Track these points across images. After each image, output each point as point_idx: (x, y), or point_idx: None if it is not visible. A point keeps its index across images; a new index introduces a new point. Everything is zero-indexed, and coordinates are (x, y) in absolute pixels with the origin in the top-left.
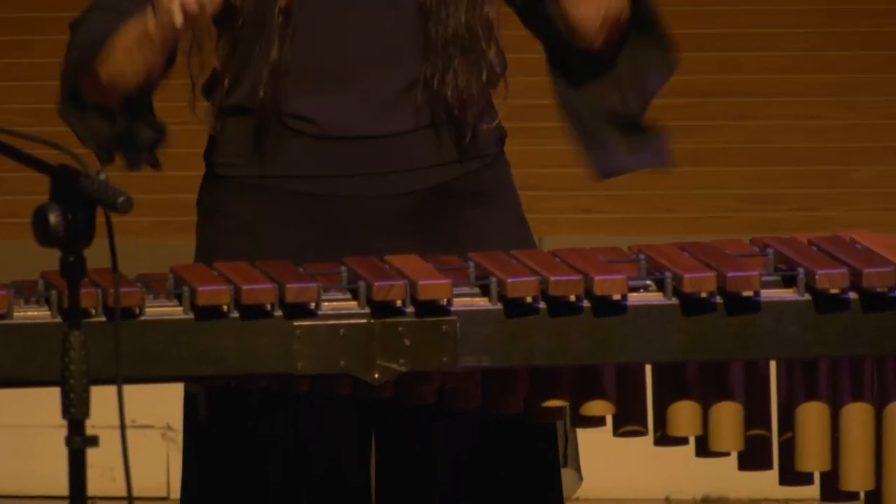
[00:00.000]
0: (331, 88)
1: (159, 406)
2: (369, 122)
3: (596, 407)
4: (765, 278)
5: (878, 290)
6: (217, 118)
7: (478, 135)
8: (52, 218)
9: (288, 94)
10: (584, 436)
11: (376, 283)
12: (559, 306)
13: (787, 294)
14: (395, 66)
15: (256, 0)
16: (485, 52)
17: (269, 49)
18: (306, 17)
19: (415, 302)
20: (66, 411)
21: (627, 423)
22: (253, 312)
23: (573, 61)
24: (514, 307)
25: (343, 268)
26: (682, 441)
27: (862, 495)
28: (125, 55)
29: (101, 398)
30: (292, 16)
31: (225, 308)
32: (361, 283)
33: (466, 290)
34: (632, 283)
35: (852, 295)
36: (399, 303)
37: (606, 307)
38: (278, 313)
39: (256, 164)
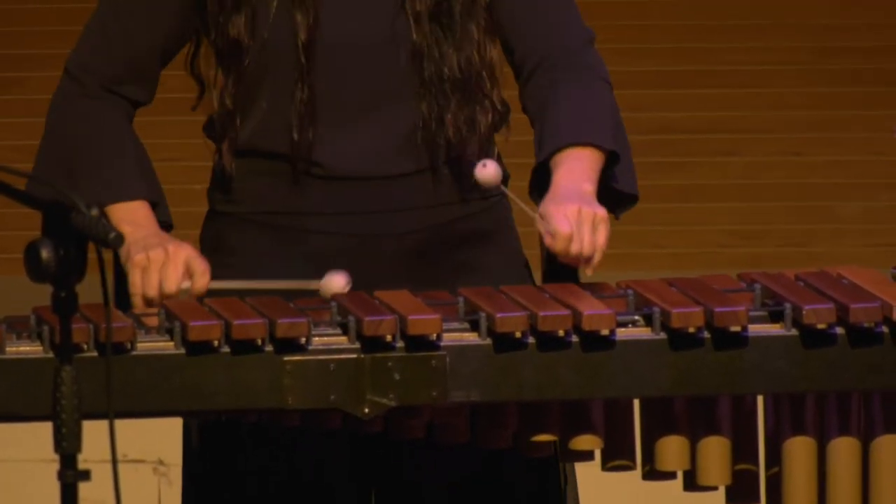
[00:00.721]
0: (334, 131)
1: (151, 440)
2: (371, 164)
3: (585, 441)
4: (752, 313)
5: (865, 325)
6: (231, 157)
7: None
8: (45, 253)
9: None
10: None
11: (366, 319)
12: (548, 341)
13: (774, 329)
14: (394, 108)
15: (263, 43)
16: (484, 95)
17: (294, 92)
18: (309, 63)
19: (404, 337)
20: (59, 445)
21: (616, 457)
22: (243, 347)
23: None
24: (503, 342)
25: (333, 303)
26: (671, 475)
27: None
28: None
29: (93, 432)
30: (301, 57)
31: (216, 343)
32: (351, 318)
33: (456, 325)
34: (620, 318)
35: (839, 330)
36: (389, 338)
37: (595, 342)
38: (269, 348)
39: (263, 202)
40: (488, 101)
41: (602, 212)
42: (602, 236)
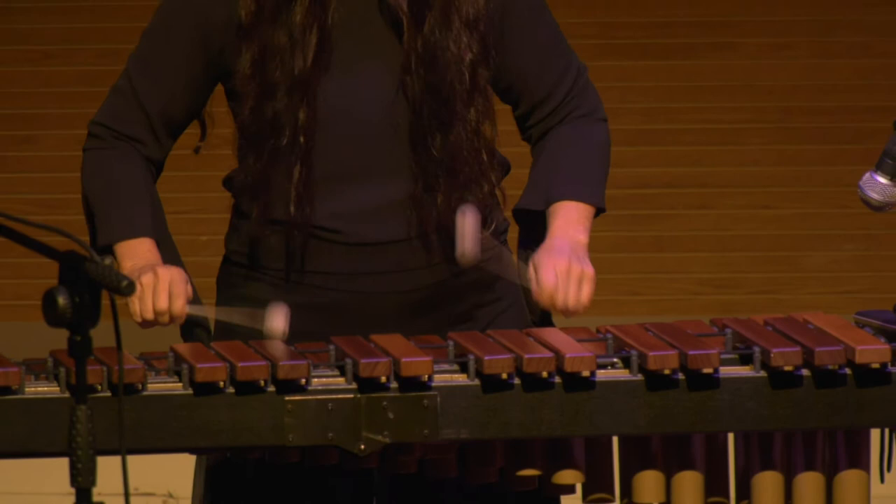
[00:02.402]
0: (332, 200)
1: (161, 475)
2: (370, 231)
3: (567, 476)
4: (723, 356)
5: (829, 367)
6: (261, 225)
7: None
8: (61, 300)
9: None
10: None
11: (362, 361)
12: (532, 382)
13: (744, 371)
14: (389, 182)
15: (265, 121)
16: (481, 171)
17: (291, 169)
18: (308, 142)
19: (398, 378)
20: (74, 480)
21: (596, 490)
22: (247, 388)
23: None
24: (491, 383)
25: (331, 346)
26: None
27: None
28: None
29: (107, 467)
30: (300, 137)
31: (221, 384)
32: (348, 361)
33: (446, 367)
34: (600, 360)
35: (805, 372)
36: (383, 379)
37: (576, 383)
38: (271, 389)
39: (273, 260)
40: (484, 179)
41: (590, 270)
42: (586, 293)
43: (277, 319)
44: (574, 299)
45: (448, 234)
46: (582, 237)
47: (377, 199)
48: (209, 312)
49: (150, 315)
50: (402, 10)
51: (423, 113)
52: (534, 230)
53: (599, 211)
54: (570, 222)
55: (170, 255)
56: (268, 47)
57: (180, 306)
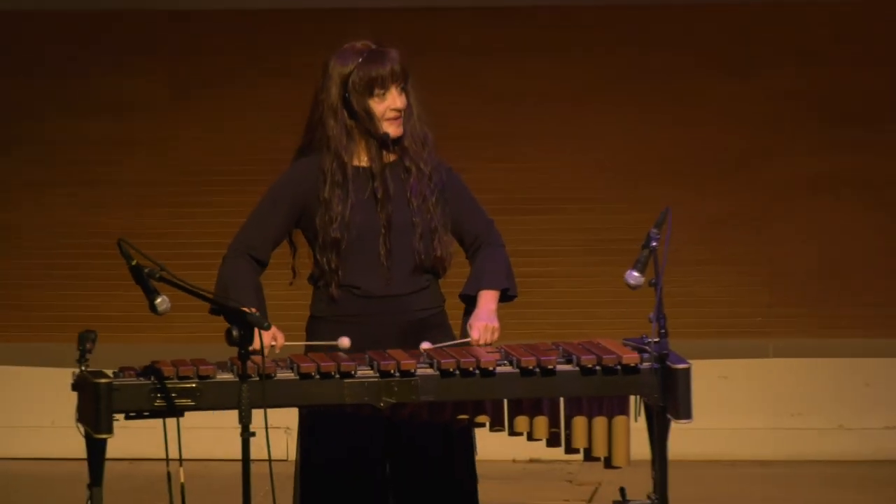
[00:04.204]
0: (367, 272)
1: (284, 418)
2: (388, 288)
3: (481, 419)
4: (558, 359)
5: (610, 365)
6: (337, 291)
7: (437, 295)
8: (234, 332)
9: (347, 276)
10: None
11: (382, 362)
12: (465, 372)
13: (568, 367)
14: (400, 263)
15: (329, 234)
16: (442, 243)
17: (331, 259)
18: (348, 246)
19: (399, 370)
20: (241, 422)
21: (495, 426)
22: (326, 376)
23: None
24: (445, 373)
25: (367, 355)
26: (529, 435)
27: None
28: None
29: (257, 415)
30: (342, 244)
31: (313, 373)
32: (375, 362)
33: (424, 365)
34: (498, 362)
35: (598, 367)
36: (392, 371)
37: (485, 373)
38: (337, 376)
39: (336, 311)
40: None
41: (496, 325)
42: (495, 337)
43: (343, 342)
44: (487, 341)
45: (433, 290)
46: (493, 307)
47: (395, 273)
48: (300, 349)
49: (267, 343)
50: (400, 183)
51: (425, 214)
52: (471, 304)
53: (507, 294)
54: (487, 301)
55: (265, 321)
56: (331, 207)
57: (281, 342)
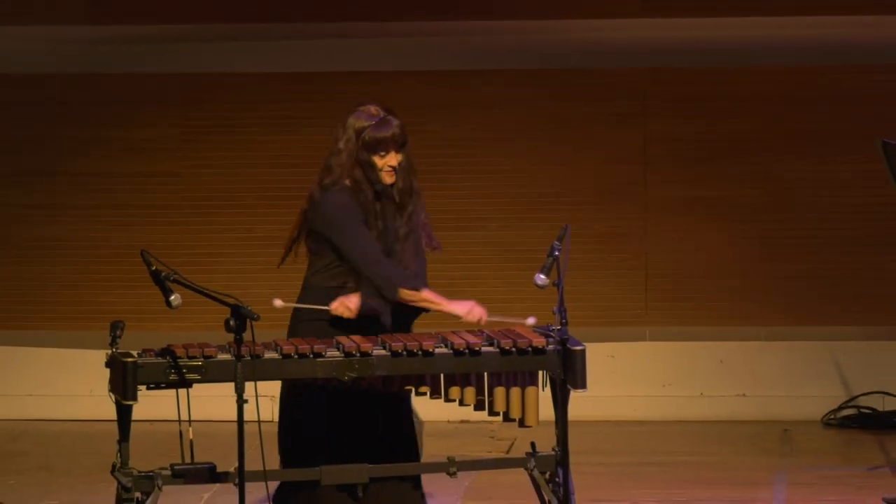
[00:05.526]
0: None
1: (273, 388)
2: (397, 315)
3: (423, 389)
4: (483, 342)
5: (523, 347)
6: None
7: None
8: (231, 322)
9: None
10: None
11: (346, 345)
12: (425, 353)
13: (490, 348)
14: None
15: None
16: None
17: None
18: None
19: (359, 351)
20: (237, 391)
21: (433, 395)
22: (303, 356)
23: None
24: (396, 353)
25: (334, 340)
26: (466, 405)
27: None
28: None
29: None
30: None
31: (310, 353)
32: (341, 345)
33: (379, 347)
34: (436, 344)
35: (514, 349)
36: (354, 351)
37: (424, 353)
38: (311, 356)
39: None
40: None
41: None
42: (484, 318)
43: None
44: (479, 319)
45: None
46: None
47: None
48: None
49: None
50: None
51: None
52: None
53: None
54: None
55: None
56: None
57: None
